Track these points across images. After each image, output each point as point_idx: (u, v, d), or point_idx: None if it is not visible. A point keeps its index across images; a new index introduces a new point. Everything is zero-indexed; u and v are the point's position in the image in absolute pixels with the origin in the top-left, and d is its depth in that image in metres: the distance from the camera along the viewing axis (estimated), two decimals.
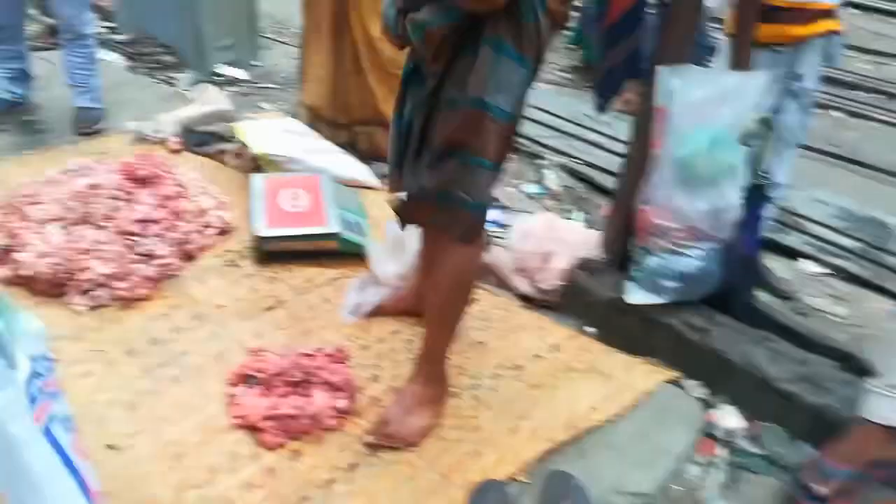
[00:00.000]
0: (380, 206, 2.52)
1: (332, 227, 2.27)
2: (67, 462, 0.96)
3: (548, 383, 1.92)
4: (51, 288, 2.06)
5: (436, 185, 1.49)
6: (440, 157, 1.47)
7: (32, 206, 2.25)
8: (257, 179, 2.47)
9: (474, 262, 1.68)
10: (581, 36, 4.93)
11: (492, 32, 1.38)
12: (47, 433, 0.94)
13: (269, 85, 4.01)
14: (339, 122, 2.94)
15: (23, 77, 3.01)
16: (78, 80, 2.96)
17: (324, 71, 2.86)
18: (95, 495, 1.09)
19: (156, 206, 2.28)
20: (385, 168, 1.92)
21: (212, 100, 3.16)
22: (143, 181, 2.37)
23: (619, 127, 3.19)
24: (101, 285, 2.06)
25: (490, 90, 1.40)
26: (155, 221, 2.23)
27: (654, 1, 1.98)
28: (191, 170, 2.66)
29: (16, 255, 2.09)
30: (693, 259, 1.99)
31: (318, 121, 2.97)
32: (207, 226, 2.34)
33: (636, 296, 2.06)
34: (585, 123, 3.80)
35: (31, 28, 3.71)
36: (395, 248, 2.13)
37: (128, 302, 2.06)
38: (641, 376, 1.98)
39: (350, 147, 2.95)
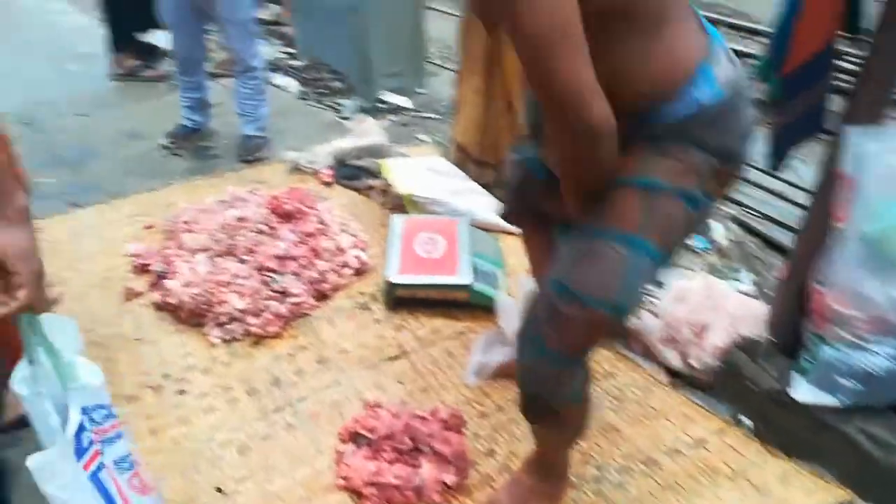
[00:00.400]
0: (518, 253, 2.37)
1: (464, 278, 2.16)
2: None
3: (686, 486, 1.67)
4: (192, 317, 2.14)
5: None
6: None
7: (187, 234, 2.37)
8: (397, 220, 2.43)
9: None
10: (768, 68, 4.45)
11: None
12: (94, 479, 0.99)
13: (430, 115, 4.01)
14: (485, 162, 2.84)
15: (202, 106, 3.23)
16: (246, 109, 3.12)
17: (474, 108, 2.77)
18: None
19: (296, 242, 2.30)
20: None
21: (368, 132, 3.19)
22: (287, 216, 2.42)
23: (807, 173, 2.79)
24: (236, 319, 2.10)
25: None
26: (293, 258, 2.25)
27: (844, 50, 1.67)
28: (337, 205, 2.69)
29: (166, 283, 2.20)
30: (880, 357, 1.64)
31: (465, 159, 2.89)
32: (344, 265, 2.33)
33: (805, 392, 1.74)
34: (765, 168, 3.40)
35: (217, 56, 4.00)
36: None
37: (258, 338, 2.09)
38: (802, 493, 1.66)
39: (495, 188, 2.84)
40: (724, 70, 1.13)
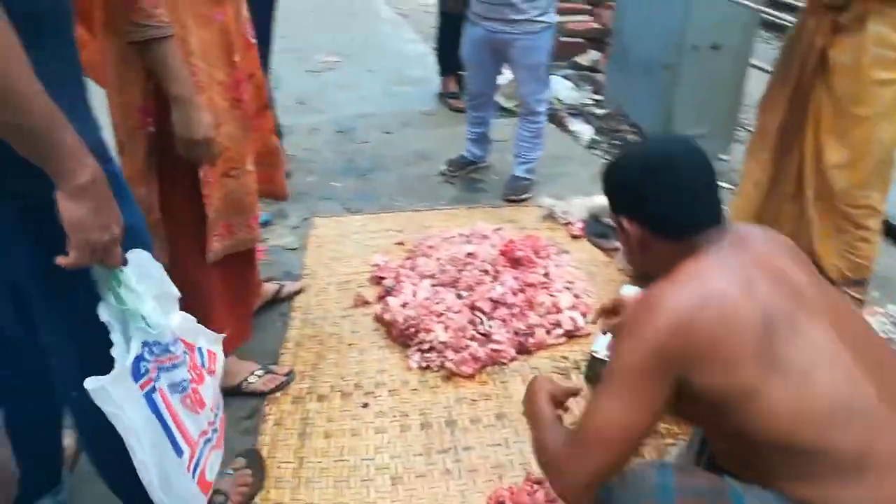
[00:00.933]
0: None
1: None
2: (161, 420, 1.18)
3: None
4: (400, 336, 2.23)
5: None
6: None
7: (422, 258, 2.48)
8: (628, 291, 2.25)
9: None
10: None
11: None
12: (148, 398, 1.16)
13: (723, 185, 3.66)
14: None
15: (483, 140, 3.37)
16: (521, 150, 3.18)
17: (755, 188, 2.44)
18: (192, 443, 1.28)
19: (515, 290, 2.26)
20: None
21: None
22: (515, 262, 2.39)
23: None
24: (436, 350, 2.14)
25: None
26: (507, 305, 2.22)
27: None
28: (575, 259, 2.59)
29: (389, 299, 2.33)
30: None
31: None
32: (556, 324, 2.23)
33: None
34: None
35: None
36: None
37: (451, 374, 2.10)
38: None
39: None
40: None
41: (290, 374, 2.10)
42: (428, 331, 2.17)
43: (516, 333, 2.17)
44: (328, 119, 4.07)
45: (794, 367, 1.05)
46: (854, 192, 2.21)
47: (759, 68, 4.86)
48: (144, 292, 1.14)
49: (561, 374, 2.11)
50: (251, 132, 1.84)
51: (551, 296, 2.28)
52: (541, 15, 2.87)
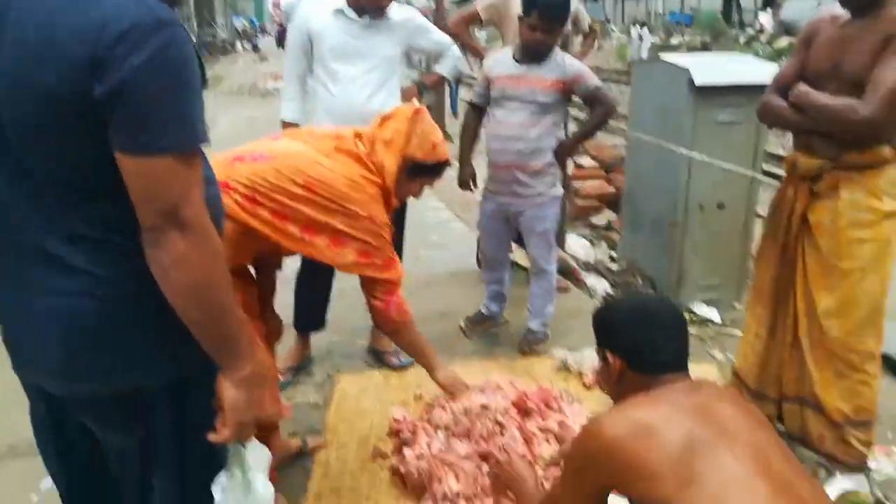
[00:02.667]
0: None
1: None
2: None
3: None
4: (415, 488, 2.29)
5: None
6: None
7: (438, 411, 2.59)
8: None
9: None
10: None
11: None
12: None
13: (736, 332, 3.75)
14: (764, 395, 2.55)
15: (500, 298, 3.57)
16: (535, 305, 3.36)
17: (755, 338, 2.55)
18: None
19: (522, 440, 2.34)
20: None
21: None
22: (527, 413, 2.48)
23: None
24: (449, 500, 2.19)
25: None
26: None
27: None
28: (589, 410, 2.66)
29: (405, 451, 2.42)
30: None
31: (740, 386, 2.64)
32: None
33: None
34: None
35: None
36: None
37: None
38: None
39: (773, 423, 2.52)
40: None
41: None
42: (440, 480, 2.23)
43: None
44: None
45: (708, 488, 1.20)
46: (849, 340, 2.30)
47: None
48: (255, 468, 1.30)
49: None
50: None
51: (560, 448, 2.34)
52: (548, 188, 3.18)
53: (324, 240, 1.95)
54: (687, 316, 3.85)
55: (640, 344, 1.46)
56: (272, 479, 1.88)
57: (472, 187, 3.48)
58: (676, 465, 1.23)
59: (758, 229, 4.05)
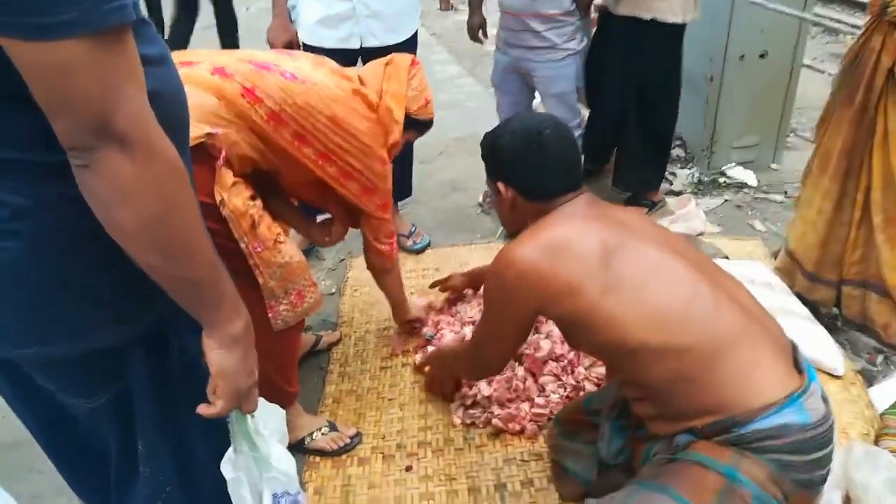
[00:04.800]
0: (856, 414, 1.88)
1: None
2: None
3: None
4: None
5: None
6: None
7: (463, 304, 2.37)
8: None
9: None
10: None
11: None
12: None
13: (776, 197, 3.46)
14: (821, 278, 2.30)
15: None
16: None
17: (818, 214, 2.26)
18: None
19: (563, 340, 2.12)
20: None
21: (688, 217, 2.86)
22: None
23: None
24: (480, 405, 2.02)
25: None
26: (556, 359, 2.08)
27: None
28: None
29: (429, 349, 2.22)
30: None
31: (794, 268, 2.39)
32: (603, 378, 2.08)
33: None
34: None
35: None
36: None
37: (498, 431, 1.97)
38: None
39: (826, 309, 2.31)
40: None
41: (356, 435, 2.01)
42: (470, 385, 2.05)
43: (568, 388, 2.02)
44: None
45: (631, 283, 1.26)
46: None
47: (812, 68, 4.67)
48: (270, 437, 1.08)
49: None
50: None
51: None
52: (566, 42, 2.76)
53: (334, 170, 1.77)
54: (721, 180, 3.63)
55: (530, 173, 1.42)
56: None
57: (483, 37, 3.09)
58: (597, 272, 1.26)
59: (803, 81, 3.68)
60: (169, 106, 0.89)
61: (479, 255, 2.84)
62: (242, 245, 1.56)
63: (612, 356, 1.35)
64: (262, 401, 1.13)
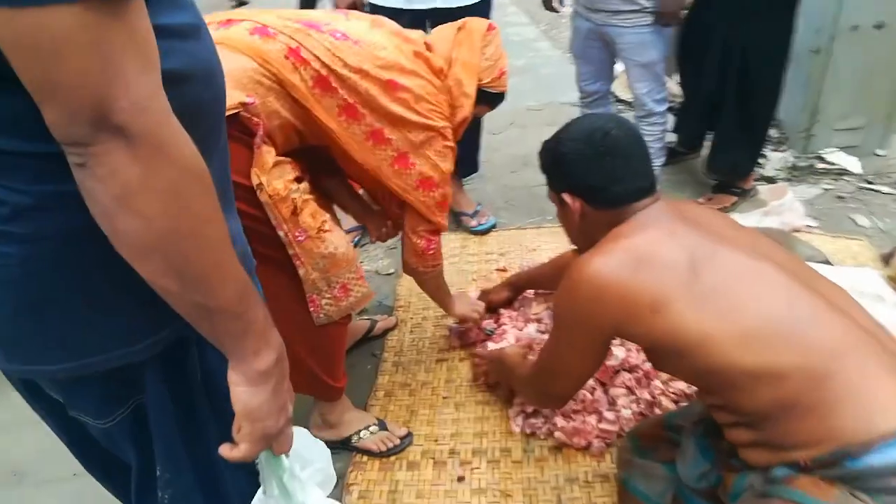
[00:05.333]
0: None
1: None
2: None
3: None
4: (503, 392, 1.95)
5: None
6: None
7: (528, 300, 2.19)
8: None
9: None
10: None
11: None
12: None
13: (882, 188, 3.11)
14: None
15: None
16: None
17: None
18: None
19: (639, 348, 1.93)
20: None
21: (782, 210, 2.58)
22: None
23: None
24: (542, 414, 1.85)
25: None
26: (628, 369, 1.89)
27: None
28: None
29: (489, 344, 2.06)
30: None
31: None
32: (683, 395, 1.87)
33: None
34: None
35: None
36: None
37: (560, 445, 1.81)
38: None
39: None
40: None
41: (407, 436, 1.88)
42: None
43: (642, 404, 1.83)
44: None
45: (721, 294, 1.11)
46: None
47: None
48: (309, 480, 0.94)
49: None
50: None
51: None
52: (654, 3, 2.45)
53: (389, 154, 1.56)
54: (819, 165, 3.29)
55: (598, 179, 1.27)
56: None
57: (558, 5, 2.84)
58: (685, 285, 1.12)
59: None
60: (200, 89, 0.74)
61: (548, 239, 2.64)
62: (281, 234, 1.41)
63: (704, 380, 1.17)
64: (303, 434, 1.00)
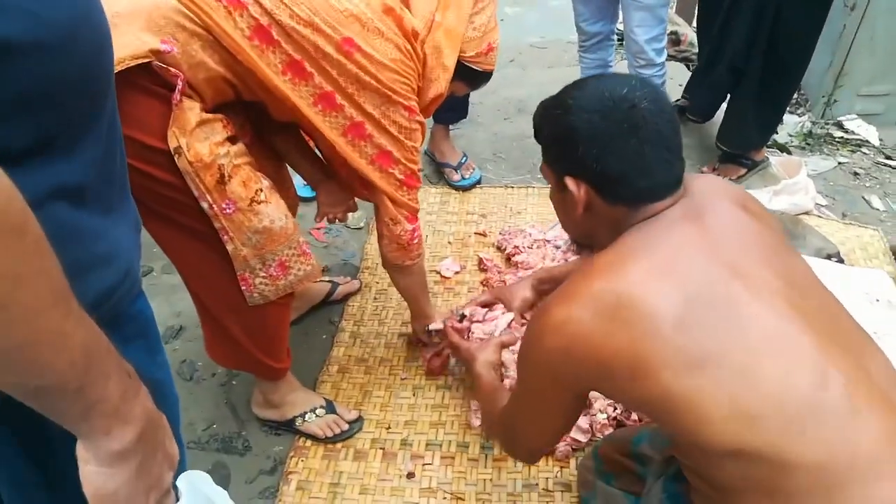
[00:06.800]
0: None
1: None
2: None
3: None
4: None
5: None
6: None
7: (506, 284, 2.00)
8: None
9: None
10: None
11: None
12: None
13: None
14: None
15: None
16: None
17: None
18: None
19: None
20: None
21: (795, 188, 2.35)
22: None
23: None
24: None
25: None
26: None
27: None
28: None
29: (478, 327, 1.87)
30: None
31: None
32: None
33: None
34: None
35: None
36: None
37: None
38: None
39: None
40: None
41: (357, 421, 1.72)
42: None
43: (615, 407, 1.66)
44: None
45: (727, 355, 0.86)
46: None
47: None
48: None
49: None
50: None
51: None
52: None
53: (341, 120, 1.30)
54: (837, 134, 3.05)
55: (617, 165, 0.96)
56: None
57: None
58: (678, 342, 0.87)
59: None
60: (50, 62, 0.53)
61: (535, 201, 2.42)
62: (205, 205, 1.20)
63: (685, 448, 0.97)
64: (195, 485, 0.81)
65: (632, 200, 0.99)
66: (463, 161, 2.53)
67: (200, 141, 1.15)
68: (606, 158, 0.97)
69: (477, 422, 1.70)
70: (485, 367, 1.41)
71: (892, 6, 2.83)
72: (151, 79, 1.09)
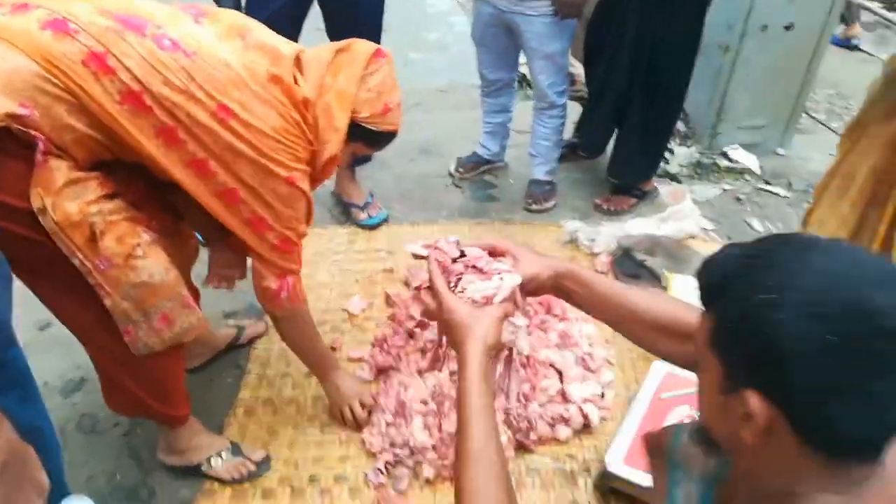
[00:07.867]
0: None
1: None
2: None
3: None
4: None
5: None
6: None
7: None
8: (657, 370, 1.80)
9: None
10: None
11: None
12: None
13: (777, 190, 3.12)
14: None
15: (500, 134, 2.87)
16: (539, 150, 2.69)
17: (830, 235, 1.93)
18: None
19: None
20: None
21: (681, 214, 2.52)
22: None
23: None
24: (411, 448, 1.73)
25: None
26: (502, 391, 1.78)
27: None
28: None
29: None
30: None
31: None
32: (562, 420, 1.78)
33: None
34: None
35: None
36: None
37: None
38: None
39: None
40: None
41: (264, 461, 1.72)
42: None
43: (515, 426, 1.74)
44: None
45: None
46: None
47: (852, 47, 4.24)
48: None
49: (566, 481, 1.70)
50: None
51: (569, 380, 1.84)
52: None
53: (213, 185, 1.31)
54: (722, 163, 3.28)
55: (845, 407, 0.62)
56: None
57: None
58: None
59: (828, 56, 3.29)
60: None
61: (441, 237, 2.49)
62: (76, 261, 1.20)
63: None
64: None
65: (852, 452, 0.66)
66: (369, 201, 2.60)
67: (70, 200, 1.16)
68: (832, 395, 0.62)
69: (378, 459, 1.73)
70: (478, 352, 0.94)
71: (763, 45, 3.10)
72: (13, 140, 1.11)
